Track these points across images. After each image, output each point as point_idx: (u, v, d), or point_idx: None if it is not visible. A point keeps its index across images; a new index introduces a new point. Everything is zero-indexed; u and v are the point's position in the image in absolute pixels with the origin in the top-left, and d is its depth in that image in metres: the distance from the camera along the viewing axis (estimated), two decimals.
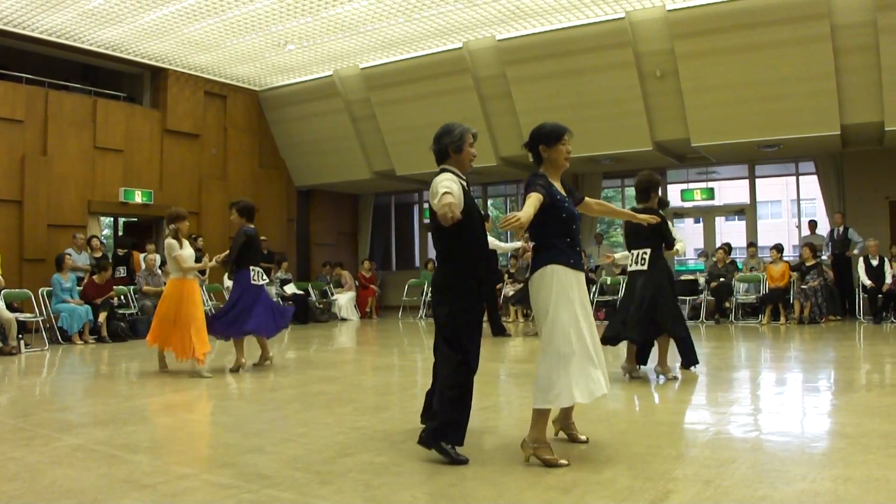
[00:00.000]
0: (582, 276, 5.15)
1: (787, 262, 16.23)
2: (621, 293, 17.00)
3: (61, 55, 17.06)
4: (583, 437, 5.36)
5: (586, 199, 5.65)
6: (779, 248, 16.23)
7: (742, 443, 5.48)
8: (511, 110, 17.26)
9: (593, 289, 17.18)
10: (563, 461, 4.90)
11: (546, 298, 5.00)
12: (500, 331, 14.16)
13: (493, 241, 11.13)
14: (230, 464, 5.25)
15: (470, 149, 5.31)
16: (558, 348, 4.89)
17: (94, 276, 14.78)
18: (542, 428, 4.99)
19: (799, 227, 20.26)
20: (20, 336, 12.87)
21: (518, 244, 10.55)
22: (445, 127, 5.36)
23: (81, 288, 14.54)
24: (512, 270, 18.55)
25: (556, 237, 5.09)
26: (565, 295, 4.97)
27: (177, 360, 9.83)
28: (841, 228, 16.52)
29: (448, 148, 5.30)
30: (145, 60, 17.97)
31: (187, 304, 9.66)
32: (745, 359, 10.96)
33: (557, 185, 5.20)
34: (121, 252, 17.53)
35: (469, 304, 5.24)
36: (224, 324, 10.01)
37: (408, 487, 4.50)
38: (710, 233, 20.70)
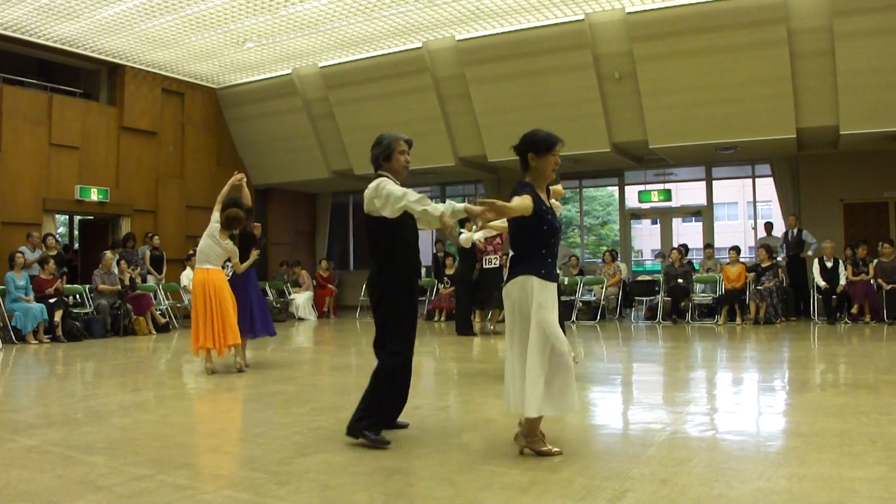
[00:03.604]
0: (554, 286, 5.19)
1: (743, 263, 16.38)
2: (579, 293, 17.19)
3: (16, 50, 16.79)
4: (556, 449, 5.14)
5: None
6: (737, 250, 16.37)
7: (698, 442, 5.53)
8: (470, 111, 17.28)
9: None
10: (557, 450, 5.08)
11: (526, 308, 5.00)
12: (466, 330, 14.22)
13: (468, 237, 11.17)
14: (187, 464, 5.21)
15: (401, 156, 5.66)
16: (552, 356, 4.93)
17: (40, 272, 14.60)
18: (535, 428, 5.07)
19: (755, 228, 20.45)
20: None
21: (478, 235, 10.43)
22: (377, 138, 5.73)
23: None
24: (449, 272, 18.43)
25: (535, 248, 5.10)
26: (546, 305, 5.00)
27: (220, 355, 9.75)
28: (795, 230, 16.70)
29: (378, 158, 5.67)
30: (102, 56, 17.78)
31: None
32: (702, 359, 11.05)
33: (543, 196, 5.18)
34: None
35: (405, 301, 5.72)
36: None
37: (365, 488, 4.49)
38: (667, 234, 20.85)
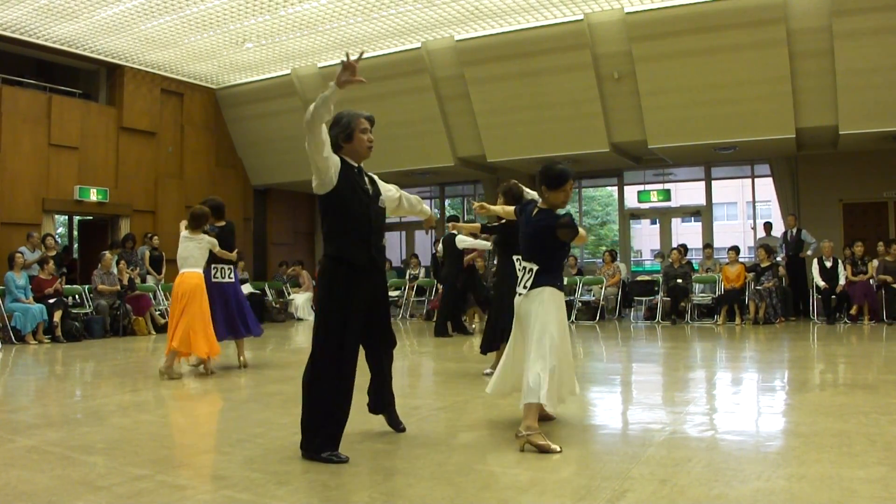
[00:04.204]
0: (563, 296, 5.73)
1: (742, 263, 16.37)
2: (578, 293, 17.16)
3: (15, 50, 16.80)
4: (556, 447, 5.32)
5: None
6: (736, 250, 16.36)
7: (698, 442, 5.52)
8: (469, 111, 17.28)
9: None
10: (556, 447, 5.13)
11: (542, 313, 5.45)
12: (444, 332, 14.15)
13: (464, 240, 11.18)
14: (186, 465, 5.21)
15: (363, 135, 5.29)
16: (549, 358, 5.28)
17: (40, 272, 14.59)
18: (534, 417, 5.22)
19: (754, 228, 20.46)
20: None
21: (485, 244, 10.79)
22: (335, 117, 5.31)
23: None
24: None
25: (557, 265, 5.71)
26: (556, 313, 5.50)
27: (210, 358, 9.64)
28: (794, 230, 16.69)
29: (338, 139, 5.27)
30: (101, 57, 17.79)
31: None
32: (701, 359, 11.05)
33: None
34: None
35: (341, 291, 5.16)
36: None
37: (365, 488, 4.49)
38: (666, 234, 20.84)
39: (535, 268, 5.55)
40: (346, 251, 5.17)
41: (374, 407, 5.81)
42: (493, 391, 5.99)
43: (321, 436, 5.03)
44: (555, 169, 5.65)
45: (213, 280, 9.85)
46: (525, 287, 5.56)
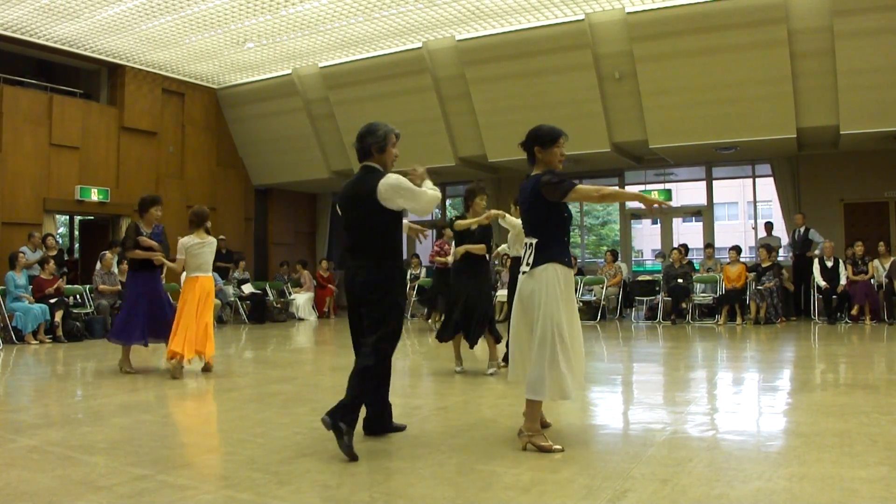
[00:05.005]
0: (571, 273, 5.45)
1: (743, 263, 16.36)
2: (579, 293, 17.13)
3: (16, 50, 16.80)
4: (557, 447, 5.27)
5: None
6: (737, 250, 16.36)
7: (699, 442, 5.52)
8: (470, 110, 17.28)
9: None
10: (558, 447, 5.12)
11: (546, 297, 5.21)
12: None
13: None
14: (187, 464, 5.20)
15: (392, 149, 5.62)
16: (551, 346, 5.12)
17: (41, 272, 14.58)
18: (536, 417, 5.20)
19: (755, 228, 20.44)
20: None
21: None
22: (369, 126, 5.63)
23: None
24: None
25: (558, 237, 5.41)
26: (562, 296, 5.23)
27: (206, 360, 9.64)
28: (802, 229, 16.67)
29: (371, 148, 5.57)
30: (102, 57, 17.78)
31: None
32: (702, 359, 11.04)
33: None
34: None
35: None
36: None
37: (366, 488, 4.49)
38: (667, 234, 20.83)
39: (534, 241, 5.36)
40: (402, 263, 5.70)
41: (374, 428, 5.84)
42: (512, 379, 5.73)
43: (352, 414, 5.20)
44: (545, 126, 5.62)
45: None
46: (528, 265, 5.36)
